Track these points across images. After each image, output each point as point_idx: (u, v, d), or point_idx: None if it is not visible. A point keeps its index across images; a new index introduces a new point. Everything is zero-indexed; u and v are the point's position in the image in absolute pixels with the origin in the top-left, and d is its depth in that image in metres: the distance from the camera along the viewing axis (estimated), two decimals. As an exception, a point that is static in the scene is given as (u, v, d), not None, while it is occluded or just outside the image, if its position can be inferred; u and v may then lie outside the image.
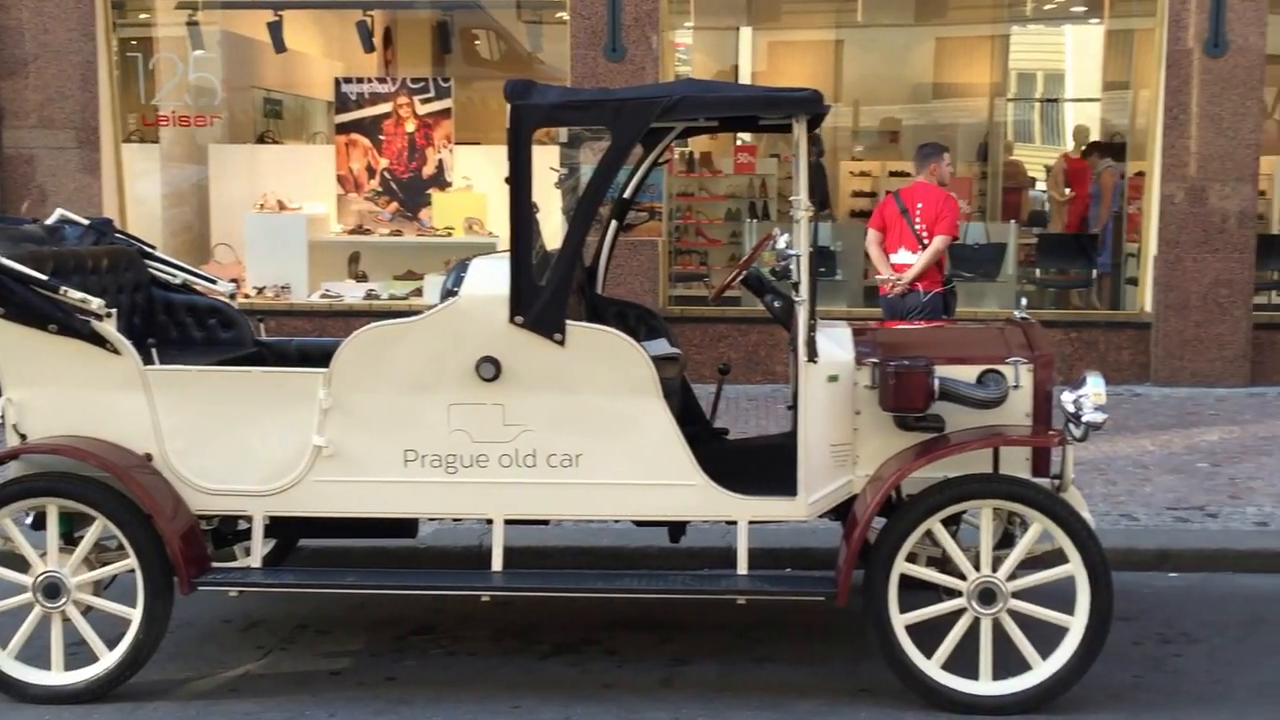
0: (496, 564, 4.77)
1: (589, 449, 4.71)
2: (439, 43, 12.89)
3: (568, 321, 4.67)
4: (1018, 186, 13.91)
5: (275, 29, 11.46)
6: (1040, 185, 13.96)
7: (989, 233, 11.70)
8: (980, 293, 10.68)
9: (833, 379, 4.79)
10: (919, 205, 8.24)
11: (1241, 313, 10.34)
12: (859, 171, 13.75)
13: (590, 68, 10.49)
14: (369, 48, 11.82)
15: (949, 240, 8.28)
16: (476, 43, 13.98)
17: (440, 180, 11.42)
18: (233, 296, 5.82)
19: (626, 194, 5.83)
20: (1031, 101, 15.04)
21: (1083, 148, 13.27)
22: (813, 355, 4.72)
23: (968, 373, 4.81)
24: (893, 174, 13.41)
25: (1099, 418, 4.67)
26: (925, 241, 8.16)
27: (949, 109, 14.12)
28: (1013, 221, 12.31)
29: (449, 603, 5.65)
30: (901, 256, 8.26)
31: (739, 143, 12.90)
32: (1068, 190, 13.03)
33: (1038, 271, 12.40)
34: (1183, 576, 6.20)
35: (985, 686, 4.61)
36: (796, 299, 4.77)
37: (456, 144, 11.44)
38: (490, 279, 4.73)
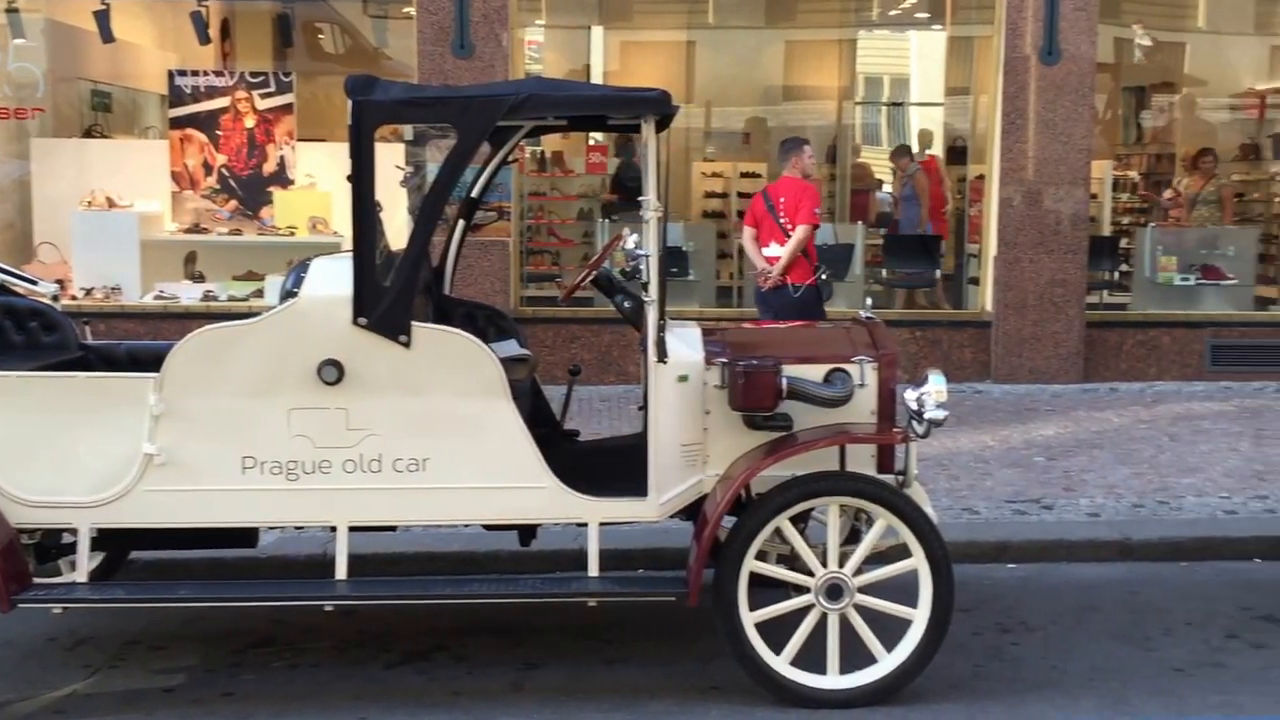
0: (341, 572, 4.65)
1: (436, 453, 4.63)
2: (280, 36, 12.50)
3: (413, 323, 4.58)
4: (865, 189, 14.19)
5: (102, 18, 10.97)
6: (887, 188, 14.24)
7: (837, 233, 11.89)
8: (829, 293, 10.82)
9: (682, 379, 4.80)
10: (781, 199, 8.44)
11: (1075, 312, 10.71)
12: (711, 172, 13.84)
13: (438, 65, 10.34)
14: (204, 39, 11.42)
15: (810, 229, 8.42)
16: (320, 37, 13.65)
17: (282, 178, 11.12)
18: (56, 298, 5.54)
19: (474, 193, 5.75)
20: (878, 105, 15.35)
21: (927, 151, 13.60)
22: (662, 356, 4.72)
23: (815, 372, 4.88)
24: (744, 175, 13.53)
25: (941, 415, 4.79)
26: (789, 233, 8.34)
27: (799, 111, 14.31)
28: (860, 223, 12.55)
29: (291, 614, 5.49)
30: (772, 250, 8.44)
31: (591, 142, 12.87)
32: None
33: (884, 272, 12.65)
34: (1021, 567, 6.38)
35: (833, 681, 4.68)
36: (646, 299, 4.76)
37: (299, 141, 11.14)
38: (332, 279, 4.61)
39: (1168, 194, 13.26)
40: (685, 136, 13.78)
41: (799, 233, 8.30)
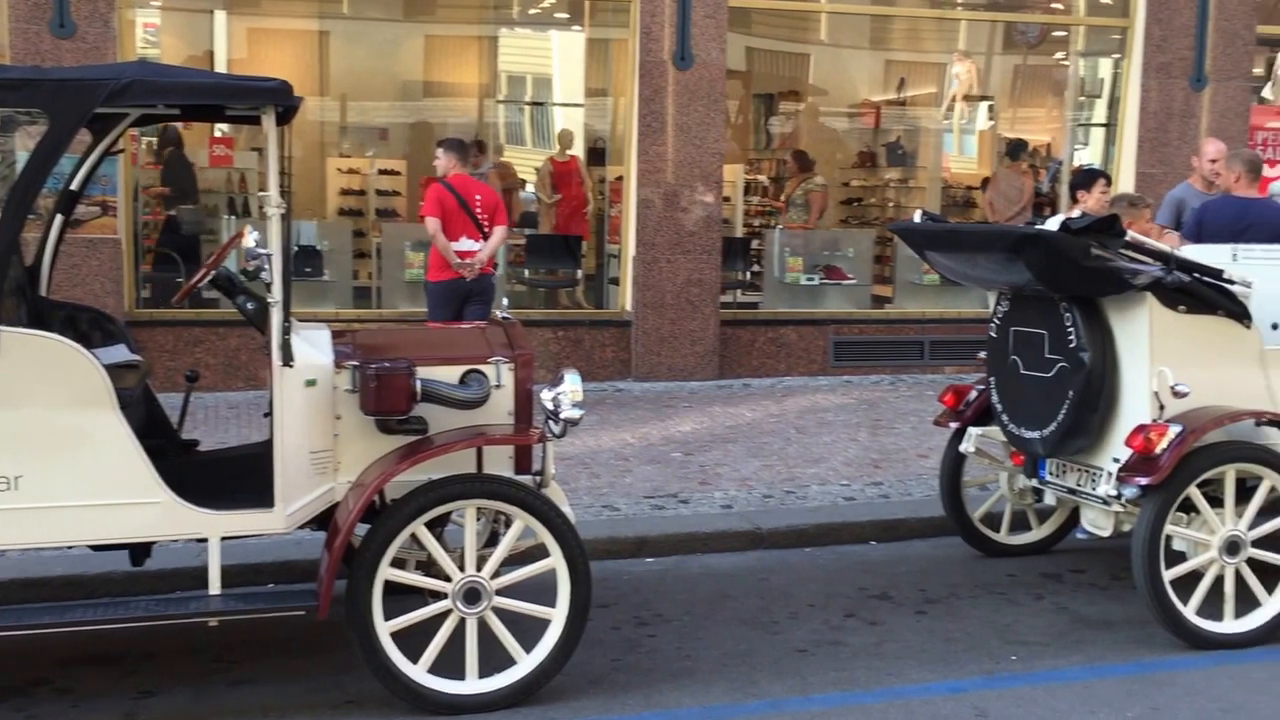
0: (-80, 605, 4.16)
1: (31, 469, 4.23)
2: None
3: (2, 328, 4.15)
4: (508, 188, 14.19)
5: None
6: (530, 187, 14.32)
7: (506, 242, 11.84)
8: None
9: (310, 383, 4.62)
10: (478, 196, 8.92)
11: (710, 310, 11.12)
12: (347, 169, 13.48)
13: (34, 44, 9.46)
14: None
15: (507, 230, 9.30)
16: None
17: None
18: None
19: (74, 186, 5.29)
20: (521, 104, 15.41)
21: (569, 152, 13.75)
22: (287, 359, 4.51)
23: (450, 373, 4.81)
24: (382, 172, 13.26)
25: (576, 414, 4.82)
26: (486, 230, 8.84)
27: (440, 108, 14.16)
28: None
29: None
30: (465, 244, 8.80)
31: (217, 134, 12.22)
32: (556, 193, 13.44)
33: (526, 272, 12.72)
34: (659, 561, 6.53)
35: (471, 686, 4.63)
36: (270, 300, 4.52)
37: None
38: (-97, 279, 4.12)
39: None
40: (320, 131, 13.37)
41: (501, 232, 8.98)
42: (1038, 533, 6.72)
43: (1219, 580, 5.38)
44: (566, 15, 14.05)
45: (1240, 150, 8.69)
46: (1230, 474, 5.36)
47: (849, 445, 8.72)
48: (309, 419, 4.60)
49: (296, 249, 10.87)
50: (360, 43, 13.66)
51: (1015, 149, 13.25)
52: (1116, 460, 5.45)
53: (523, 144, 15.35)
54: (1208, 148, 8.95)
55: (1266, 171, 10.46)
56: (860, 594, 6.04)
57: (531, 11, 14.44)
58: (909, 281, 12.39)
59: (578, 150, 13.86)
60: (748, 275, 12.81)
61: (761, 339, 11.44)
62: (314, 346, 4.70)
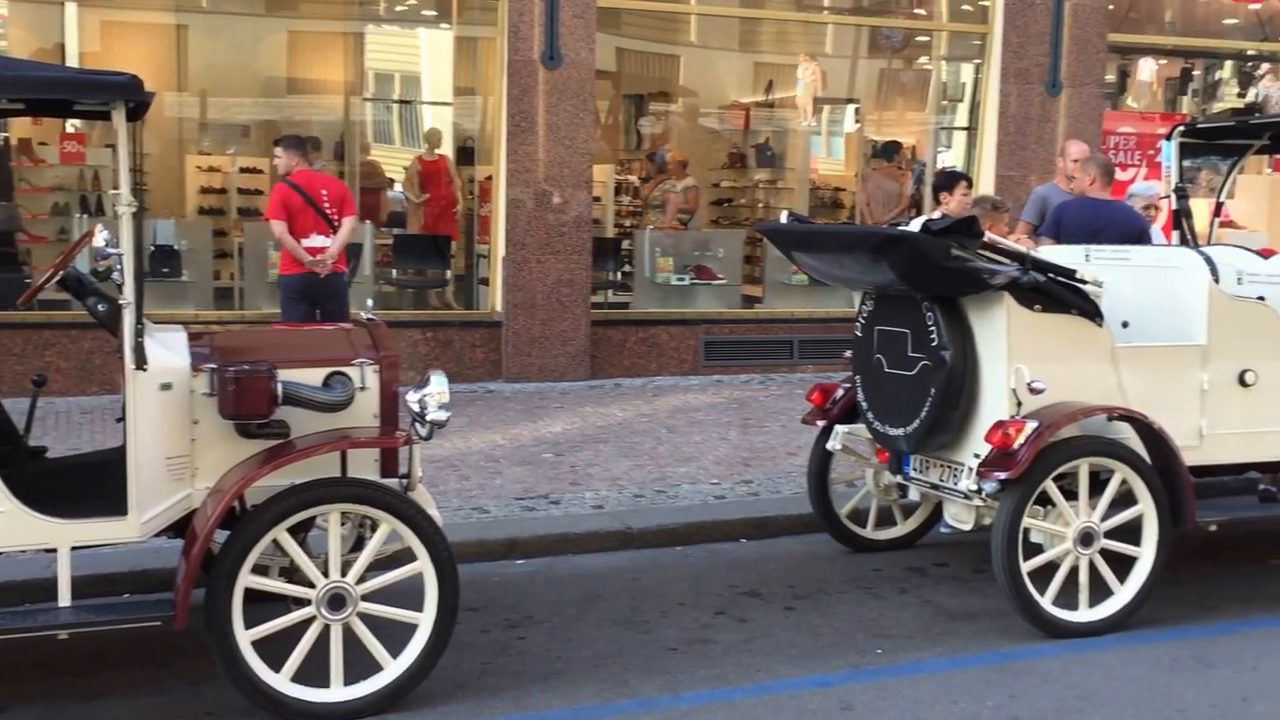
0: None
1: None
2: None
3: None
4: (376, 187, 14.00)
5: None
6: (398, 187, 14.14)
7: (357, 234, 11.64)
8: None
9: (166, 387, 4.49)
10: (324, 191, 8.88)
11: (581, 311, 11.11)
12: (207, 167, 13.12)
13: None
14: None
15: (356, 220, 9.19)
16: None
17: None
18: None
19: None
20: (388, 102, 15.18)
21: (437, 151, 13.62)
22: (141, 362, 4.37)
23: (313, 375, 4.72)
24: (244, 170, 12.95)
25: (443, 416, 4.75)
26: (336, 224, 8.80)
27: (304, 105, 13.86)
28: (368, 222, 12.36)
29: None
30: (315, 240, 8.78)
31: (69, 129, 11.79)
32: (424, 193, 13.29)
33: (394, 272, 12.54)
34: (529, 562, 6.49)
35: (337, 693, 4.54)
36: (122, 301, 4.37)
37: None
38: None
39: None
40: (179, 128, 12.99)
41: (350, 223, 8.95)
42: (903, 528, 6.85)
43: (1074, 571, 5.54)
44: (434, 13, 13.90)
45: (1097, 155, 9.01)
46: (1084, 468, 5.52)
47: (720, 444, 8.78)
48: (164, 423, 4.48)
49: (153, 249, 10.58)
50: (220, 38, 13.29)
51: (889, 151, 13.48)
52: (977, 456, 5.58)
53: (390, 143, 15.14)
54: (1071, 149, 9.23)
55: (1120, 175, 10.88)
56: (730, 591, 6.08)
57: (398, 9, 14.26)
58: (779, 281, 12.53)
59: (446, 149, 13.73)
60: (619, 275, 12.83)
61: (633, 339, 11.47)
62: (169, 349, 4.57)
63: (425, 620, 4.60)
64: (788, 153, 15.23)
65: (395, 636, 4.61)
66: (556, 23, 10.71)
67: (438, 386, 4.77)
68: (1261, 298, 6.36)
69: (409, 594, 4.63)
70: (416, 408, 4.76)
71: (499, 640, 5.38)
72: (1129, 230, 7.49)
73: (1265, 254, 7.24)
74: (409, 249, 12.62)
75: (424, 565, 4.58)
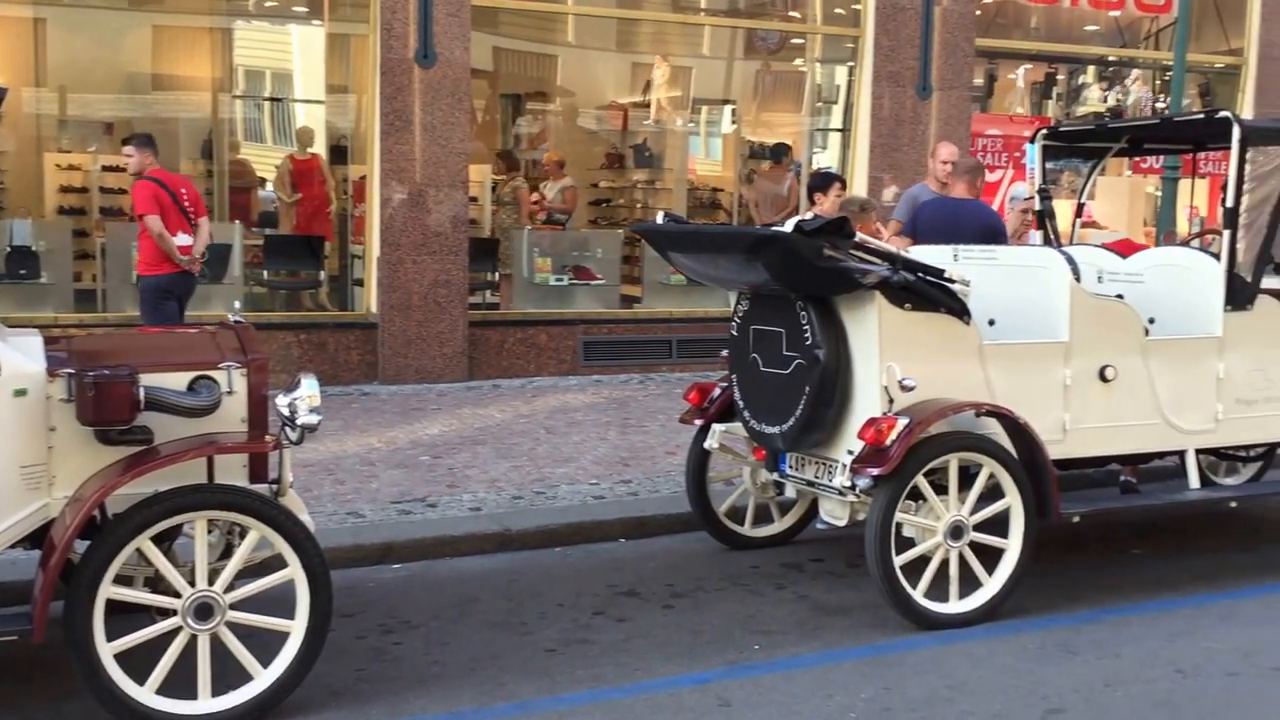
0: None
1: None
2: None
3: None
4: (245, 186, 13.71)
5: None
6: (269, 186, 13.86)
7: (213, 234, 11.35)
8: (205, 296, 10.29)
9: (20, 393, 4.33)
10: (183, 190, 9.00)
11: (459, 311, 11.01)
12: (67, 165, 12.70)
13: None
14: None
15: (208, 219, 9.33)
16: None
17: None
18: None
19: None
20: (259, 100, 14.87)
21: (309, 149, 13.37)
22: (-9, 368, 4.19)
23: (178, 380, 4.60)
24: (106, 168, 12.56)
25: (314, 419, 4.66)
26: (194, 222, 8.95)
27: (170, 102, 13.49)
28: (238, 222, 12.10)
29: None
30: (181, 239, 8.87)
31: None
32: (296, 192, 13.04)
33: (266, 273, 12.28)
34: (406, 566, 6.40)
35: (204, 705, 4.42)
36: (-32, 304, 4.20)
37: None
38: None
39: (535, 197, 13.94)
40: (36, 124, 12.55)
41: (207, 223, 9.11)
42: (780, 525, 6.92)
43: (945, 564, 5.66)
44: (305, 9, 13.66)
45: (966, 157, 9.23)
46: (954, 462, 5.64)
47: (598, 444, 8.78)
48: (18, 431, 4.32)
49: (9, 249, 10.22)
50: (81, 32, 12.87)
51: (777, 152, 13.62)
52: (850, 452, 5.66)
53: (261, 141, 14.85)
54: (941, 150, 9.43)
55: (989, 177, 11.15)
56: (609, 591, 6.07)
57: (268, 4, 13.97)
58: (657, 281, 12.58)
59: (319, 148, 13.49)
60: (496, 275, 12.75)
61: (511, 340, 11.40)
62: (24, 353, 4.40)
63: (297, 628, 4.50)
64: (666, 153, 15.31)
65: (267, 645, 4.51)
66: (430, 21, 10.60)
67: (308, 390, 4.67)
68: (1120, 296, 6.57)
69: (281, 601, 4.53)
70: (286, 411, 4.67)
71: (375, 646, 5.29)
72: (983, 230, 7.67)
73: (1123, 246, 7.48)
74: (280, 249, 12.37)
75: (295, 571, 4.48)
